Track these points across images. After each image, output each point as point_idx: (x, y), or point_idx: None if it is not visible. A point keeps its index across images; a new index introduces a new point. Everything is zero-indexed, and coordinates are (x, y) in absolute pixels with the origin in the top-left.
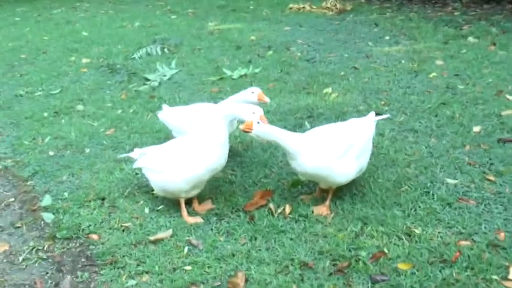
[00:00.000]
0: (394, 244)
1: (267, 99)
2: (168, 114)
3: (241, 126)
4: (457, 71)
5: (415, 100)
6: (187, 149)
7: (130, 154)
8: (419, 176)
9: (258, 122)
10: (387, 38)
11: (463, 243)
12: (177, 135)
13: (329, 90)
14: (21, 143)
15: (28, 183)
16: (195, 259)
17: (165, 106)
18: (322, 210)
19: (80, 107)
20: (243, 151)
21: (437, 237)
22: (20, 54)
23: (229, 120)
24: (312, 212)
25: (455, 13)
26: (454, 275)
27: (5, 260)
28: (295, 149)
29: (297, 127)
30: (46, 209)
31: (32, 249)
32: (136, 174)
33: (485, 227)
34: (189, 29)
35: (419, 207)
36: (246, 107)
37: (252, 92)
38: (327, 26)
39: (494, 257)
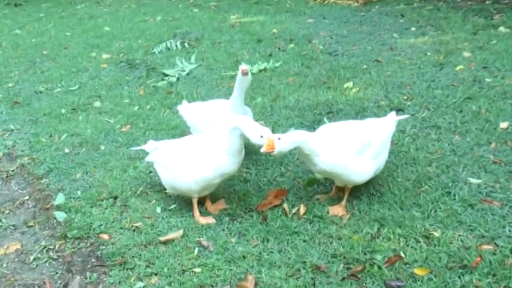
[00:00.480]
0: (412, 247)
1: (244, 67)
2: (186, 110)
3: (263, 149)
4: (485, 63)
5: (439, 94)
6: (200, 148)
7: (144, 146)
8: (441, 176)
9: (279, 138)
10: (413, 29)
11: (485, 247)
12: (194, 133)
13: (350, 84)
14: (38, 140)
15: (43, 181)
16: (205, 261)
17: (184, 102)
18: (338, 210)
19: (97, 104)
20: (258, 148)
21: (458, 240)
22: (42, 50)
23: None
24: (327, 212)
25: (487, 2)
26: (474, 281)
27: (16, 259)
28: (314, 149)
29: (315, 123)
30: (59, 207)
31: (43, 248)
32: (150, 172)
33: (509, 230)
34: (210, 22)
35: (440, 208)
36: (254, 127)
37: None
38: (351, 18)
39: None
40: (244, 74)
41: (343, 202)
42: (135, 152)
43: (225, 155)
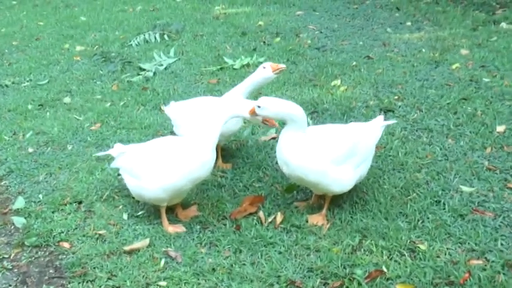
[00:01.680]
0: (395, 261)
1: (282, 65)
2: (174, 110)
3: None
4: (483, 61)
5: (432, 95)
6: (168, 153)
7: (110, 151)
8: (431, 183)
9: (259, 106)
10: (408, 23)
11: (475, 262)
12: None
13: (338, 82)
14: (0, 138)
15: (2, 183)
16: (171, 273)
17: (172, 102)
18: (317, 219)
19: (67, 99)
20: (236, 150)
21: (445, 254)
22: (12, 40)
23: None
24: (306, 221)
25: None
26: None
27: None
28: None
29: None
30: (18, 212)
31: None
32: (119, 175)
33: (502, 244)
34: (193, 14)
35: (428, 218)
36: (242, 104)
37: (264, 68)
38: (344, 11)
39: (511, 279)
40: (277, 73)
41: (324, 211)
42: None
43: (204, 151)
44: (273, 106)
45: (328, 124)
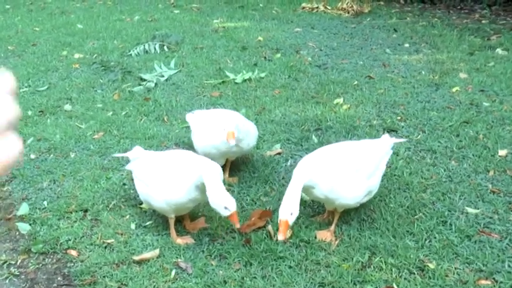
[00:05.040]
0: (405, 279)
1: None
2: (195, 119)
3: (281, 238)
4: (482, 86)
5: (434, 116)
6: (177, 168)
7: (128, 153)
8: (436, 203)
9: (292, 213)
10: (407, 45)
11: (483, 282)
12: (199, 146)
13: (340, 100)
14: None
15: (5, 188)
16: (182, 284)
17: (197, 111)
18: (326, 235)
19: (67, 107)
20: (242, 164)
21: (454, 273)
22: (7, 45)
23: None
24: (315, 237)
25: (483, 21)
26: None
27: None
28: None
29: (303, 140)
30: (22, 218)
31: (4, 263)
32: (124, 184)
33: (509, 265)
34: (192, 26)
35: (435, 238)
36: (218, 193)
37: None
38: (342, 29)
39: None
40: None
41: (332, 227)
42: (108, 161)
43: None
44: (296, 209)
45: (339, 142)
